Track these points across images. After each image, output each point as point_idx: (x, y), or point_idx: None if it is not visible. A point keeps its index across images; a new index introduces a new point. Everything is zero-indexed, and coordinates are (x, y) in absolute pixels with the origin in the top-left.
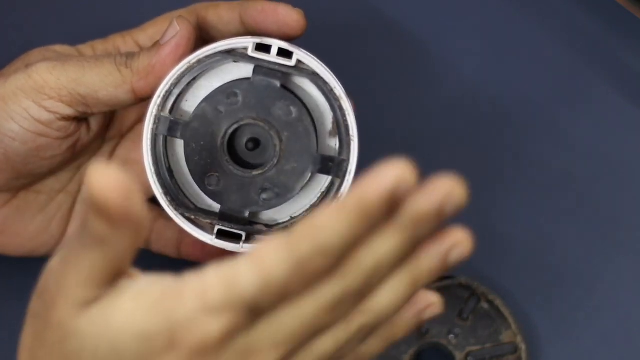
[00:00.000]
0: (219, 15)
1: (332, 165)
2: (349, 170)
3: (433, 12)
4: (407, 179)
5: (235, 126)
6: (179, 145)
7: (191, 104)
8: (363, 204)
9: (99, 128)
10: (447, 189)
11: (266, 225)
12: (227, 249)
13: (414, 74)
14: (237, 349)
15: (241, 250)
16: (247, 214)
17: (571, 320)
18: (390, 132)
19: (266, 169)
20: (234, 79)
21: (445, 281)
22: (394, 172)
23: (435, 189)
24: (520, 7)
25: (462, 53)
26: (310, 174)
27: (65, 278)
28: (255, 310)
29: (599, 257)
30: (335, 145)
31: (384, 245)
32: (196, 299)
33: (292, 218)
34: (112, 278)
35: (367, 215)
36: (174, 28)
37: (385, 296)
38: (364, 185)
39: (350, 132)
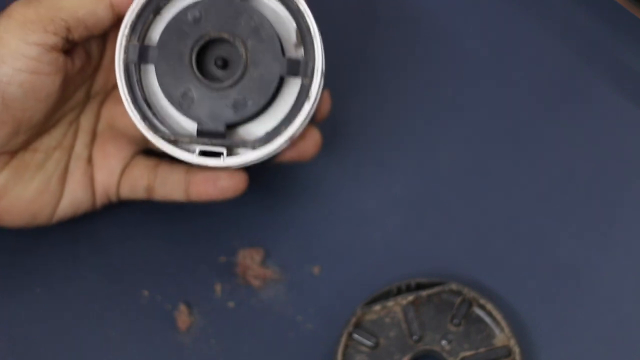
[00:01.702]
0: None
1: (300, 67)
2: (316, 68)
3: (433, 12)
4: None
5: (201, 42)
6: (153, 74)
7: (158, 32)
8: None
9: (82, 64)
10: None
11: (244, 140)
12: (209, 164)
13: (414, 72)
14: None
15: (223, 164)
16: (223, 127)
17: (565, 322)
18: (391, 127)
19: (235, 78)
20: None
21: (436, 288)
22: None
23: None
24: (520, 7)
25: (462, 53)
26: (279, 78)
27: None
28: None
29: (594, 258)
30: (302, 55)
31: None
32: None
33: (267, 133)
34: None
35: None
36: None
37: None
38: None
39: (312, 32)
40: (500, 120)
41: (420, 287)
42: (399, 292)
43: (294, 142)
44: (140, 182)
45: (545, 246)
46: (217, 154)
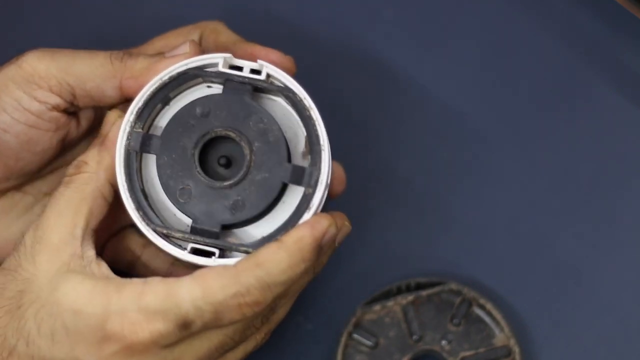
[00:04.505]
0: (216, 40)
1: (304, 176)
2: (320, 180)
3: (434, 11)
4: (332, 230)
5: (207, 137)
6: (153, 164)
7: (165, 121)
8: (301, 245)
9: (89, 125)
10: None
11: (237, 243)
12: (199, 262)
13: (415, 73)
14: (162, 356)
15: (214, 264)
16: (218, 227)
17: (565, 322)
18: (392, 124)
19: (237, 179)
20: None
21: (436, 287)
22: (325, 223)
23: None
24: (520, 7)
25: (463, 53)
26: (281, 184)
27: (48, 237)
28: (186, 326)
29: (594, 258)
30: (308, 162)
31: (304, 280)
32: (133, 296)
33: (262, 238)
34: (86, 228)
35: (304, 256)
36: (184, 48)
37: (282, 310)
38: (301, 231)
39: (321, 142)
40: (500, 120)
41: (420, 287)
42: (399, 292)
43: None
44: (125, 256)
45: (545, 246)
46: (209, 253)
